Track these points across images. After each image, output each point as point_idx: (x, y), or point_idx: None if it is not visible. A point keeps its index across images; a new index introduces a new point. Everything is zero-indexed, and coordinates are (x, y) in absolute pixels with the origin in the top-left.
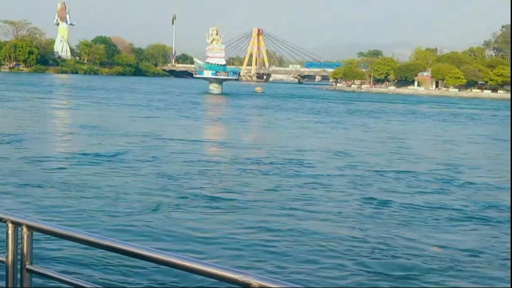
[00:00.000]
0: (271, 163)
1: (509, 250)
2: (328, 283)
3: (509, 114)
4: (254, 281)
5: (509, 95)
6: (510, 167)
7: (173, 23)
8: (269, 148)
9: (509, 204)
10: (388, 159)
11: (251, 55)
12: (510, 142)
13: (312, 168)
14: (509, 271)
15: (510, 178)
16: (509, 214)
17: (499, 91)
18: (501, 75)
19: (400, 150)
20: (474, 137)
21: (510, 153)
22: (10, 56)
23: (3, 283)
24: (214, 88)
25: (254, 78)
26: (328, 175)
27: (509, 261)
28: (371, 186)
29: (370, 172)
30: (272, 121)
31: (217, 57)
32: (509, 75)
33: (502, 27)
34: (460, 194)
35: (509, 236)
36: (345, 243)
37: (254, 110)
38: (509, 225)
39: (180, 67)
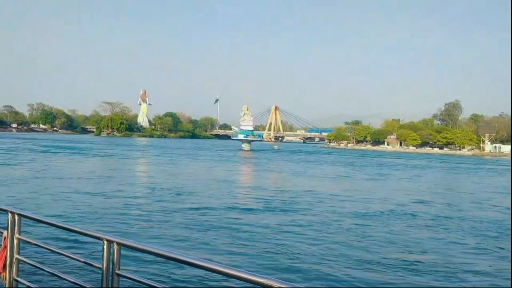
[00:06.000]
0: (400, 212)
1: (509, 250)
2: None
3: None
4: (275, 284)
5: (451, 152)
6: (510, 175)
7: (215, 103)
8: (378, 200)
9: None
10: (467, 206)
11: (270, 124)
12: (509, 158)
13: (438, 220)
14: (509, 271)
15: (510, 184)
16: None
17: (444, 149)
18: (446, 137)
19: (465, 197)
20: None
21: (510, 167)
22: (107, 126)
23: (99, 283)
24: (245, 146)
25: (273, 139)
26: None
27: (509, 261)
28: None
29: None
30: (334, 173)
31: (247, 125)
32: (452, 137)
33: (445, 104)
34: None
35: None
36: None
37: (303, 164)
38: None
39: (222, 132)
